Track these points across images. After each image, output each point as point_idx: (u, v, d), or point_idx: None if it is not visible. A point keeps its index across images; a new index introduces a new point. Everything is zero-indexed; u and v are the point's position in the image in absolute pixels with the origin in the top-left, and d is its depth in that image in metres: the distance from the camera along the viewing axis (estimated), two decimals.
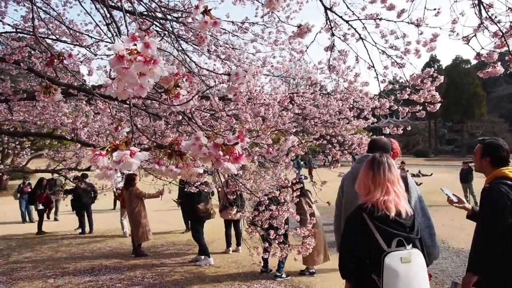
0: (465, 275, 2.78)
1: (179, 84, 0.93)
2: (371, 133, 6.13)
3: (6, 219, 12.74)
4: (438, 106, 4.16)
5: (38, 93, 1.13)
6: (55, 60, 1.12)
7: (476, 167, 2.98)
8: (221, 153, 0.92)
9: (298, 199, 5.12)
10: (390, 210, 2.07)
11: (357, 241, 2.13)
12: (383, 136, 3.17)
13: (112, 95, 0.80)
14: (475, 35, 2.36)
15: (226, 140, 0.91)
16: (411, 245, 2.07)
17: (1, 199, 18.38)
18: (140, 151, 0.81)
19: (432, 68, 4.17)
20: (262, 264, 6.08)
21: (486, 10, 2.14)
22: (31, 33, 4.85)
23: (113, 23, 1.10)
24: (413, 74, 4.07)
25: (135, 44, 0.76)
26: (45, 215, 11.26)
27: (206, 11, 1.03)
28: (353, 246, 2.17)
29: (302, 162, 21.08)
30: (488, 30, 2.25)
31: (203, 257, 7.04)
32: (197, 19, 1.04)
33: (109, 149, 0.82)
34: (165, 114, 4.61)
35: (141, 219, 7.70)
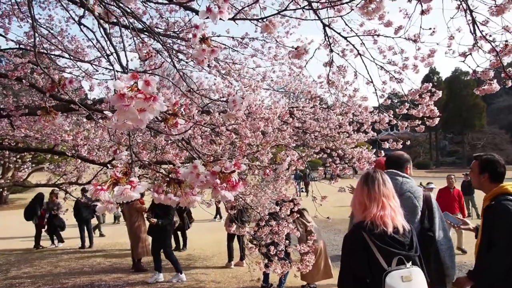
0: (461, 276, 2.80)
1: (177, 113, 0.95)
2: (371, 146, 6.12)
3: (6, 234, 12.69)
4: (437, 120, 4.18)
5: (39, 117, 1.15)
6: (56, 87, 1.15)
7: (474, 184, 2.99)
8: (218, 181, 0.93)
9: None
10: (387, 226, 2.06)
11: (358, 261, 2.11)
12: (399, 151, 3.20)
13: (112, 127, 0.82)
14: (470, 54, 2.40)
15: (223, 168, 0.93)
16: (410, 262, 2.06)
17: (1, 213, 18.33)
18: (140, 180, 0.83)
19: (432, 80, 4.20)
20: (262, 280, 6.04)
21: (480, 30, 2.17)
22: (32, 50, 4.91)
23: (114, 53, 1.13)
24: (411, 89, 4.10)
25: (136, 82, 0.79)
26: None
27: (204, 39, 1.05)
28: (354, 265, 2.16)
29: (301, 174, 21.01)
30: (483, 51, 2.28)
31: (176, 274, 6.96)
32: (195, 47, 1.06)
33: (110, 183, 0.85)
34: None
35: (141, 233, 7.67)
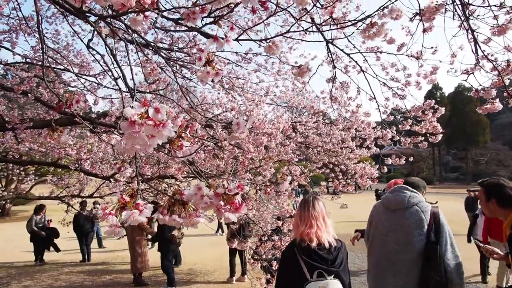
0: None
1: (182, 135, 0.97)
2: (374, 162, 6.11)
3: (8, 246, 12.64)
4: (440, 137, 4.18)
5: (45, 134, 1.17)
6: (63, 106, 1.17)
7: (487, 213, 2.79)
8: (222, 203, 0.95)
9: None
10: (311, 241, 2.39)
11: (291, 272, 2.44)
12: (416, 178, 3.31)
13: (121, 150, 0.84)
14: (472, 73, 2.41)
15: (227, 190, 0.95)
16: (332, 276, 2.37)
17: (3, 225, 18.28)
18: (146, 204, 0.85)
19: (435, 96, 4.23)
20: None
21: (482, 50, 2.19)
22: (40, 64, 4.98)
23: (121, 77, 1.16)
24: (414, 105, 4.12)
25: (147, 110, 0.82)
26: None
27: (208, 62, 1.08)
28: (287, 279, 2.48)
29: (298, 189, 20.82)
30: (485, 70, 2.30)
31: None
32: (200, 69, 1.08)
33: (118, 207, 0.86)
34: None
35: (141, 248, 7.62)
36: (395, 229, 2.82)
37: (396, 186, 3.05)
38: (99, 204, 10.29)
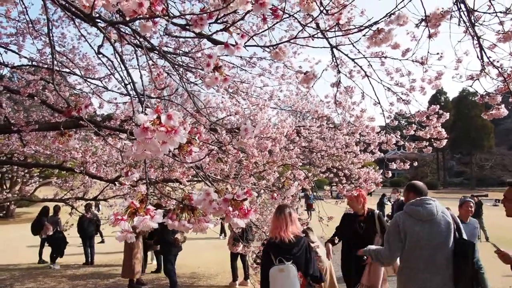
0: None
1: (192, 140, 0.98)
2: (378, 167, 6.10)
3: (11, 248, 12.67)
4: (444, 142, 4.17)
5: (53, 139, 1.18)
6: (73, 111, 1.18)
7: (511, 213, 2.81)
8: (230, 208, 0.96)
9: None
10: (277, 238, 3.30)
11: (265, 261, 3.37)
12: (419, 182, 3.74)
13: (131, 156, 0.85)
14: (478, 79, 2.41)
15: (235, 196, 0.96)
16: (291, 261, 3.24)
17: (7, 226, 18.35)
18: (156, 209, 0.86)
19: (439, 101, 4.24)
20: None
21: (488, 56, 2.20)
22: (48, 67, 5.01)
23: (131, 83, 1.17)
24: (418, 110, 4.11)
25: (158, 116, 0.84)
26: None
27: (217, 68, 1.09)
28: (264, 265, 3.39)
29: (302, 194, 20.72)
30: (490, 77, 2.30)
31: None
32: (208, 75, 1.09)
33: (129, 213, 0.87)
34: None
35: (137, 254, 7.56)
36: (430, 237, 3.07)
37: (418, 199, 3.30)
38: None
